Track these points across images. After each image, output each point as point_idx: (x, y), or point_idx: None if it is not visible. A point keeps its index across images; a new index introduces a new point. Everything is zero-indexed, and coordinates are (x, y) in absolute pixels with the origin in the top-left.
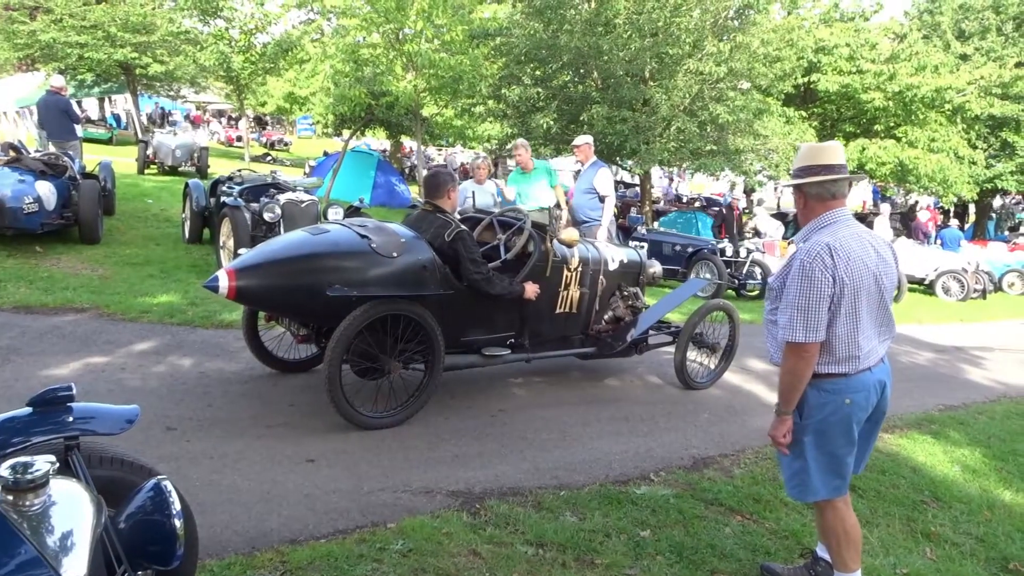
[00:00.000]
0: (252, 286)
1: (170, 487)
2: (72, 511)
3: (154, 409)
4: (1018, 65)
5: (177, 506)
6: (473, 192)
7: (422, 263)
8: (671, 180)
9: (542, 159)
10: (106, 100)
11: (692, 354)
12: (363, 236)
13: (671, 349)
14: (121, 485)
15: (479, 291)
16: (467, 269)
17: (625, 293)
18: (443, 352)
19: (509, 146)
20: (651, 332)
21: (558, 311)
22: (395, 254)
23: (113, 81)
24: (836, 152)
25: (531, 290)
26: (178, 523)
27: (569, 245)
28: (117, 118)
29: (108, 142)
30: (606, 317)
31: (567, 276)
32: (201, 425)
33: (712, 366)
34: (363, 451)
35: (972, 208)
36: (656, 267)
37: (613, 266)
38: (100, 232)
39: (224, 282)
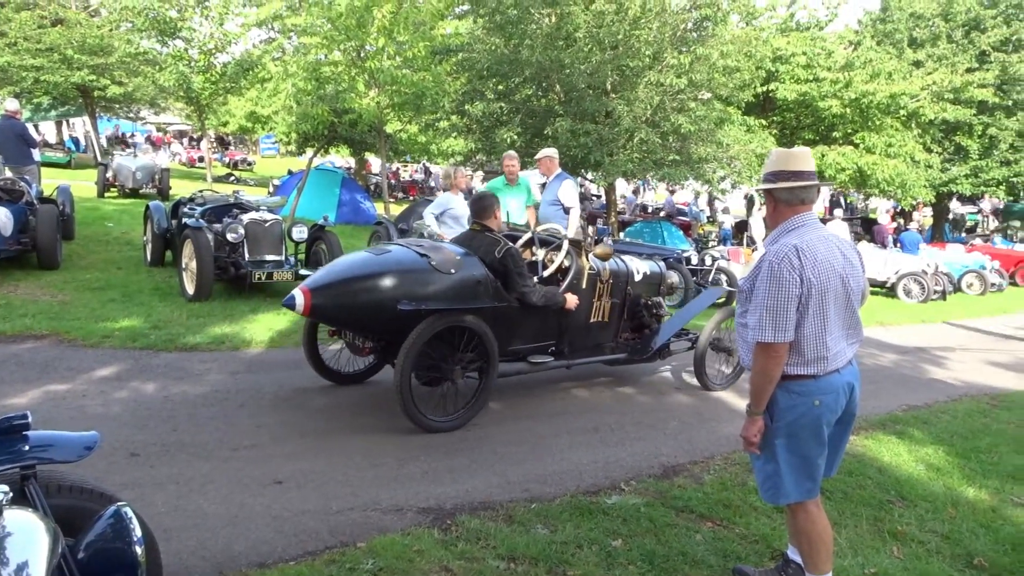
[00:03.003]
0: (326, 303)
1: (131, 513)
2: (26, 542)
3: (117, 435)
4: (968, 71)
5: (138, 533)
6: (450, 203)
7: (477, 278)
8: (637, 192)
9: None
10: (64, 123)
11: (709, 358)
12: (422, 255)
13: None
14: (80, 513)
15: (526, 303)
16: (516, 283)
17: (649, 303)
18: (497, 360)
19: (476, 160)
20: (671, 339)
21: (592, 320)
22: (453, 271)
23: (71, 104)
24: (806, 159)
25: (572, 301)
26: (139, 550)
27: (604, 259)
28: (76, 141)
29: (67, 166)
30: (632, 325)
31: (599, 288)
32: (166, 450)
33: (728, 370)
34: (332, 471)
35: (926, 211)
36: (674, 278)
37: (638, 277)
38: (59, 257)
39: (300, 300)
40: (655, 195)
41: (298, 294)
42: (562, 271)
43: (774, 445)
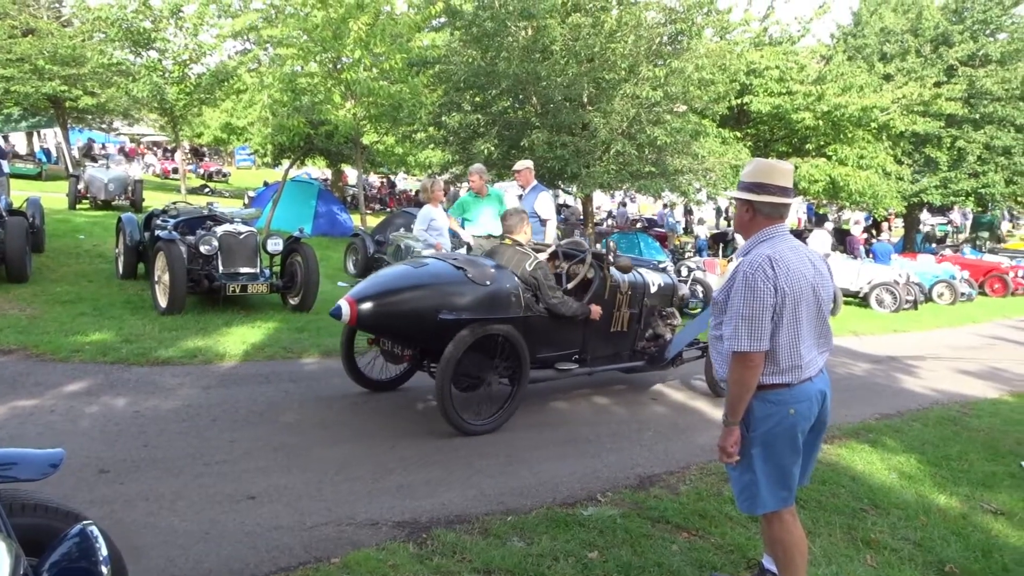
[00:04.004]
0: (371, 312)
1: (96, 532)
2: None
3: (86, 451)
4: (937, 85)
5: (104, 552)
6: (432, 217)
7: (510, 290)
8: (624, 204)
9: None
10: (35, 134)
11: None
12: (459, 268)
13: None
14: (45, 533)
15: (555, 313)
16: (546, 294)
17: (664, 313)
18: (529, 366)
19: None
20: (684, 348)
21: (613, 330)
22: (488, 283)
23: (42, 115)
24: (791, 175)
25: (596, 311)
26: (105, 569)
27: (624, 271)
28: (47, 152)
29: (37, 177)
30: (648, 335)
31: (619, 298)
32: (136, 466)
33: None
34: (306, 485)
35: (897, 222)
36: (684, 290)
37: (654, 289)
38: (28, 270)
39: (346, 309)
40: (639, 207)
41: (344, 304)
42: (585, 283)
43: (751, 455)
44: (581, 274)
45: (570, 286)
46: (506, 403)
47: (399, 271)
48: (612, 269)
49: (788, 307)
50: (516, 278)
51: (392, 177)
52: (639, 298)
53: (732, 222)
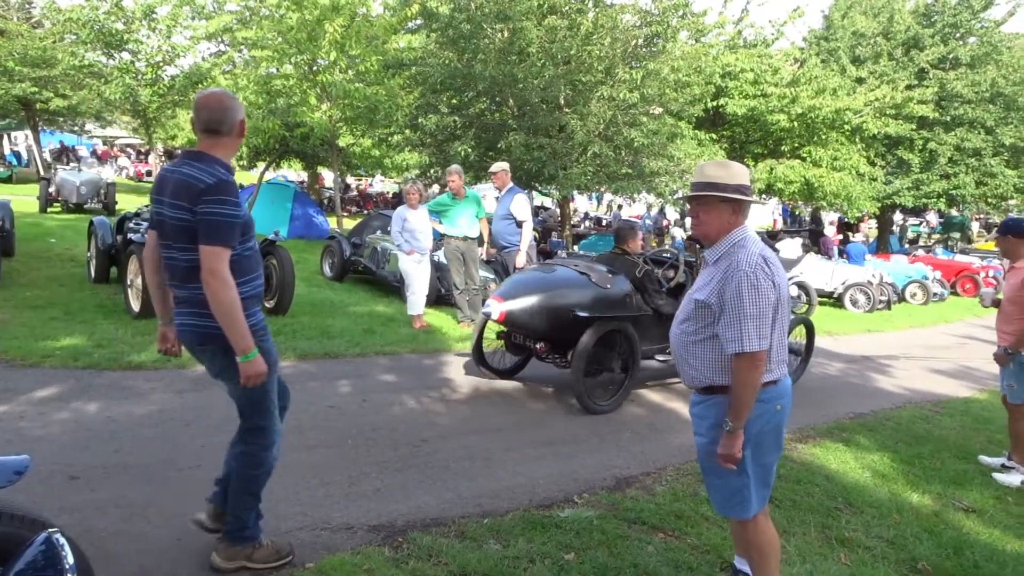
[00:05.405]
0: (517, 310)
1: (63, 540)
2: None
3: (56, 458)
4: (908, 87)
5: (70, 560)
6: (405, 218)
7: (626, 291)
8: (620, 207)
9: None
10: (5, 137)
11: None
12: (583, 273)
13: None
14: (11, 541)
15: (659, 312)
16: (654, 297)
17: None
18: (640, 357)
19: (430, 174)
20: None
21: None
22: (608, 286)
23: (12, 117)
24: None
25: None
26: None
27: None
28: (17, 155)
29: (7, 180)
30: None
31: None
32: (108, 472)
33: (794, 367)
34: (282, 489)
35: (871, 223)
36: None
37: None
38: None
39: (496, 308)
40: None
41: (493, 304)
42: (679, 285)
43: (744, 457)
44: (676, 278)
45: (671, 285)
46: (622, 388)
47: (535, 276)
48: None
49: (780, 304)
50: (629, 282)
51: (355, 181)
52: None
53: (694, 225)
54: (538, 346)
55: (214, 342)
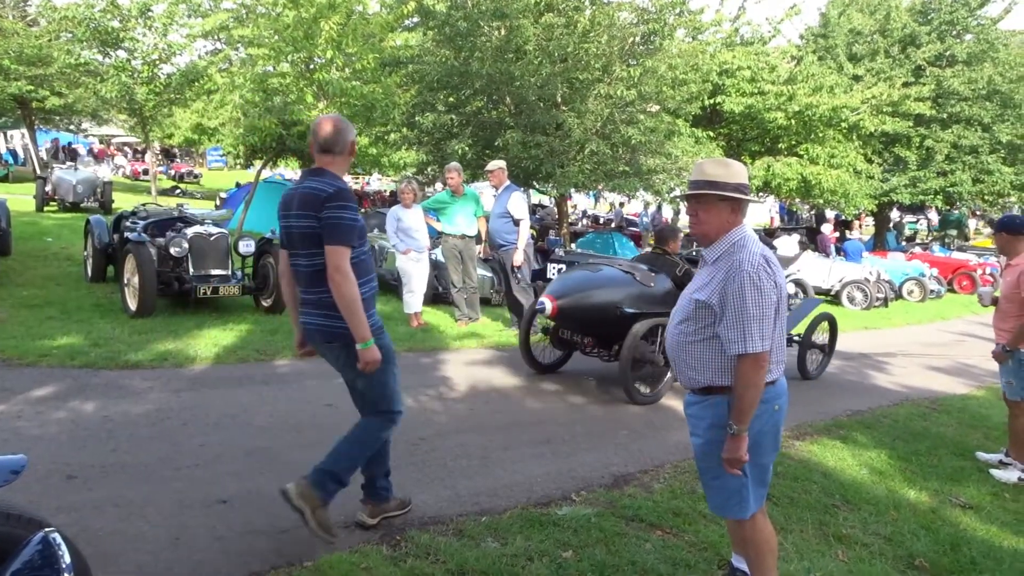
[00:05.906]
0: (568, 306)
1: (59, 539)
2: None
3: (53, 457)
4: (905, 85)
5: (67, 559)
6: (399, 217)
7: (668, 289)
8: (622, 204)
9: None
10: (2, 135)
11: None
12: (627, 272)
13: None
14: (7, 540)
15: None
16: None
17: None
18: None
19: (428, 172)
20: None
21: None
22: (652, 284)
23: (8, 116)
24: None
25: None
26: None
27: None
28: (13, 154)
29: (4, 179)
30: None
31: None
32: (105, 472)
33: (819, 361)
34: (279, 487)
35: (868, 220)
36: None
37: None
38: None
39: (549, 304)
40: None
41: (547, 300)
42: None
43: None
44: None
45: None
46: (664, 380)
47: (583, 275)
48: None
49: (781, 304)
50: (670, 280)
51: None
52: None
53: (693, 224)
54: (585, 340)
55: (340, 339)
